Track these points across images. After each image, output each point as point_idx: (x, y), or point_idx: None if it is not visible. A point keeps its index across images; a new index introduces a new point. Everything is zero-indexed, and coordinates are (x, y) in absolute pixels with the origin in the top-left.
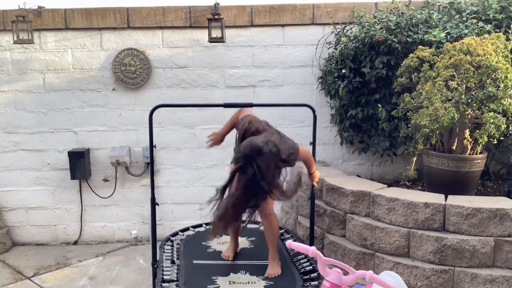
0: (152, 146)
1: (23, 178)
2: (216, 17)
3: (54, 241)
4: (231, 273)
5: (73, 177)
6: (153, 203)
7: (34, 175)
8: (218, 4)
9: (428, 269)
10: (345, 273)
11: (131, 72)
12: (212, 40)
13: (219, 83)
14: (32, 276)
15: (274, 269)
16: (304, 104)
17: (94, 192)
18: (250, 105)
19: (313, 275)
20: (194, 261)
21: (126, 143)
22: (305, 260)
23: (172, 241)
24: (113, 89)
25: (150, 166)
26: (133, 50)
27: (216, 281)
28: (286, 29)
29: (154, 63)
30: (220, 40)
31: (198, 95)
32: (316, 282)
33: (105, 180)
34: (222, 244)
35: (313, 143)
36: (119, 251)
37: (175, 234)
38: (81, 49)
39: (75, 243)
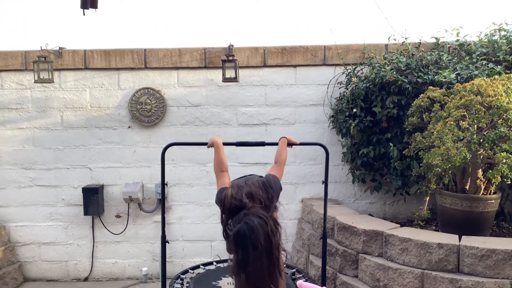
0: (164, 184)
1: (37, 213)
2: (230, 58)
3: (65, 277)
4: None
5: (86, 213)
6: (164, 241)
7: (49, 210)
8: (232, 45)
9: None
10: None
11: (147, 110)
12: (226, 80)
13: (232, 121)
14: None
15: None
16: (317, 143)
17: (106, 228)
18: (262, 144)
19: None
20: None
21: (139, 180)
22: None
23: (182, 279)
24: (129, 127)
25: (162, 203)
26: (149, 89)
27: None
28: (298, 69)
29: (169, 102)
30: (234, 80)
31: (211, 132)
32: None
33: (118, 216)
34: (231, 284)
35: (325, 182)
36: None
37: (186, 272)
38: (99, 88)
39: (86, 279)
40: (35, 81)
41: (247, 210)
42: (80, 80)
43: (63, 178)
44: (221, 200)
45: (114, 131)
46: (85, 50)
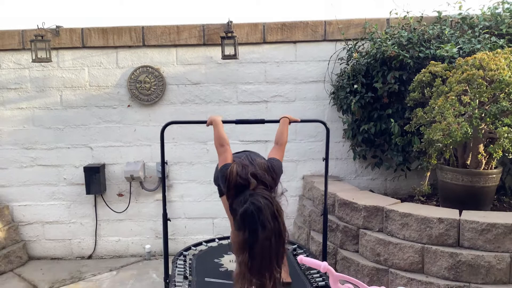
0: (163, 162)
1: (39, 193)
2: (229, 34)
3: (69, 255)
4: None
5: (88, 192)
6: (165, 219)
7: (51, 190)
8: (231, 22)
9: (442, 286)
10: None
11: (146, 89)
12: (225, 57)
13: (232, 98)
14: None
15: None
16: (317, 120)
17: (109, 207)
18: (262, 121)
19: None
20: (206, 279)
21: (140, 158)
22: (318, 275)
23: (185, 256)
24: (128, 106)
25: (162, 182)
26: (148, 68)
27: None
28: (298, 45)
29: (168, 80)
30: (233, 57)
31: (211, 110)
32: None
33: (120, 195)
34: (234, 262)
35: (326, 159)
36: (133, 266)
37: (188, 248)
38: (98, 67)
39: (90, 257)
40: (33, 61)
41: (252, 191)
42: (78, 59)
43: (64, 157)
44: (226, 176)
45: (113, 110)
46: (82, 29)
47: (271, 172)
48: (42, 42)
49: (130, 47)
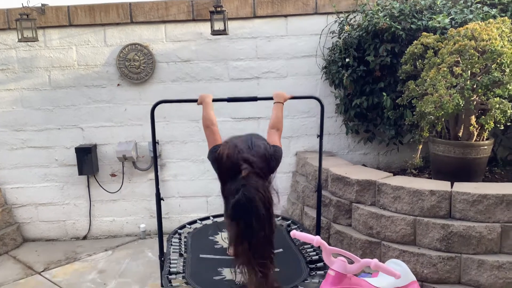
0: (154, 142)
1: (31, 175)
2: (218, 9)
3: (63, 236)
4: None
5: (80, 172)
6: (158, 198)
7: (43, 171)
8: None
9: (434, 257)
10: (350, 261)
11: (135, 67)
12: (214, 32)
13: (223, 75)
14: (43, 271)
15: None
16: (312, 97)
17: (102, 187)
18: (254, 99)
19: (319, 264)
20: (201, 255)
21: (132, 138)
22: (312, 249)
23: (179, 234)
24: (118, 85)
25: (154, 161)
26: (136, 45)
27: (222, 272)
28: (289, 19)
29: (158, 58)
30: (223, 32)
31: (202, 88)
32: (322, 272)
33: (113, 175)
34: (227, 239)
35: (320, 135)
36: (128, 245)
37: (183, 227)
38: (85, 45)
39: (84, 238)
40: (19, 40)
41: (244, 180)
42: (66, 38)
43: (55, 138)
44: (215, 158)
45: (103, 90)
46: (68, 6)
47: (271, 160)
48: (28, 21)
49: (118, 24)
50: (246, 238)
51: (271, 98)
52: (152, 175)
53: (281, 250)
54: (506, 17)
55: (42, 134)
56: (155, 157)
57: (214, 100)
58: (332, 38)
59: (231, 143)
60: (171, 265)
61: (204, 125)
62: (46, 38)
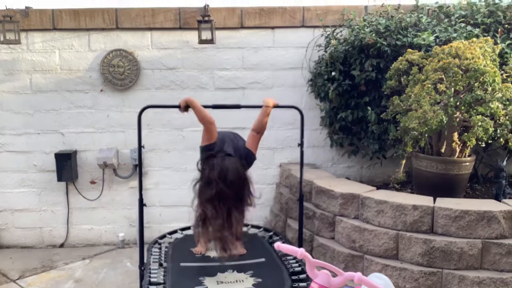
0: (140, 147)
1: (8, 180)
2: (206, 18)
3: (40, 243)
4: (218, 273)
5: (59, 179)
6: (141, 204)
7: (20, 176)
8: (207, 6)
9: (416, 271)
10: (334, 275)
11: (120, 73)
12: (202, 41)
13: (208, 84)
14: (18, 279)
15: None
16: (291, 106)
17: (81, 195)
18: (238, 106)
19: (301, 276)
20: (182, 264)
21: (114, 145)
22: (294, 261)
23: (160, 244)
24: (101, 90)
25: (139, 166)
26: (121, 51)
27: (203, 282)
28: (276, 31)
29: (143, 64)
30: (210, 42)
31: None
32: (304, 284)
33: (92, 182)
34: (211, 249)
35: (301, 145)
36: (106, 254)
37: (163, 236)
38: (69, 49)
39: (61, 245)
40: (1, 42)
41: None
42: (49, 41)
43: (34, 143)
44: (209, 155)
45: (85, 95)
46: (53, 10)
47: (246, 161)
48: (11, 23)
49: (103, 29)
50: (221, 200)
51: (255, 106)
52: (132, 183)
53: (263, 259)
54: (488, 37)
55: (21, 139)
56: (140, 162)
57: None
58: (318, 51)
59: (222, 143)
60: (151, 275)
61: (206, 122)
62: (28, 41)
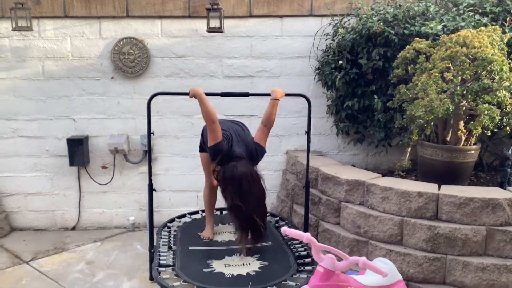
0: (150, 133)
1: (21, 164)
2: (215, 7)
3: (52, 226)
4: (226, 257)
5: (71, 163)
6: (151, 189)
7: (33, 161)
8: None
9: (420, 257)
10: (339, 259)
11: (130, 61)
12: (210, 30)
13: (217, 73)
14: (30, 261)
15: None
16: (299, 94)
17: (93, 179)
18: (246, 94)
19: (307, 260)
20: (190, 247)
21: (124, 131)
22: (300, 245)
23: (169, 227)
24: (112, 78)
25: (148, 151)
26: (132, 39)
27: (211, 265)
28: (284, 20)
29: (153, 52)
30: (219, 30)
31: (196, 84)
32: (310, 267)
33: (104, 167)
34: (218, 233)
35: (308, 132)
36: (117, 237)
37: (172, 220)
38: (80, 37)
39: (73, 228)
40: (13, 29)
41: (234, 162)
42: (60, 29)
43: (46, 129)
44: (217, 154)
45: (97, 82)
46: None
47: (253, 158)
48: (23, 10)
49: (113, 17)
50: (248, 195)
51: (263, 94)
52: (143, 168)
53: (270, 243)
54: (497, 26)
55: (34, 124)
56: (149, 148)
57: (207, 94)
58: (326, 40)
59: (230, 141)
60: (161, 258)
61: (209, 119)
62: (40, 28)
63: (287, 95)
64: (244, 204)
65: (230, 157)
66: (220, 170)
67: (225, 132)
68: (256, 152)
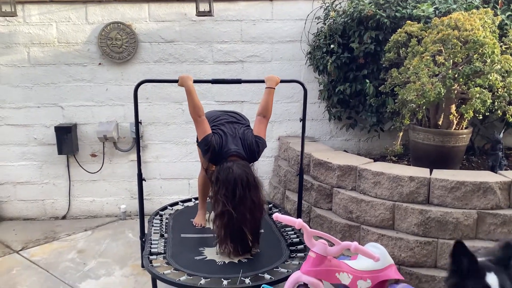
0: (137, 121)
1: (9, 153)
2: None
3: (42, 215)
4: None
5: (60, 152)
6: (140, 178)
7: (21, 150)
8: None
9: (412, 241)
10: (331, 244)
11: (117, 46)
12: (200, 14)
13: (207, 58)
14: (20, 250)
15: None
16: (295, 80)
17: (82, 167)
18: (239, 81)
19: (299, 246)
20: (182, 235)
21: (113, 118)
22: (292, 232)
23: (161, 216)
24: (99, 64)
25: (136, 141)
26: (119, 24)
27: (203, 252)
28: (274, 3)
29: (141, 37)
30: (208, 14)
31: (186, 70)
32: (302, 254)
33: (93, 155)
34: (211, 221)
35: (303, 119)
36: (108, 225)
37: (164, 208)
38: (66, 22)
39: (64, 217)
40: None
41: (231, 163)
42: (46, 14)
43: (34, 117)
44: (207, 150)
45: (84, 68)
46: None
47: (253, 152)
48: None
49: (100, 1)
50: (241, 203)
51: (256, 81)
52: (133, 156)
53: (262, 231)
54: (488, 9)
55: (21, 112)
56: (138, 137)
57: (198, 81)
58: (317, 23)
59: (218, 135)
60: (152, 246)
61: (194, 114)
62: (25, 14)
63: (282, 81)
64: (235, 212)
65: (226, 155)
66: (215, 170)
67: (218, 128)
68: (256, 145)
